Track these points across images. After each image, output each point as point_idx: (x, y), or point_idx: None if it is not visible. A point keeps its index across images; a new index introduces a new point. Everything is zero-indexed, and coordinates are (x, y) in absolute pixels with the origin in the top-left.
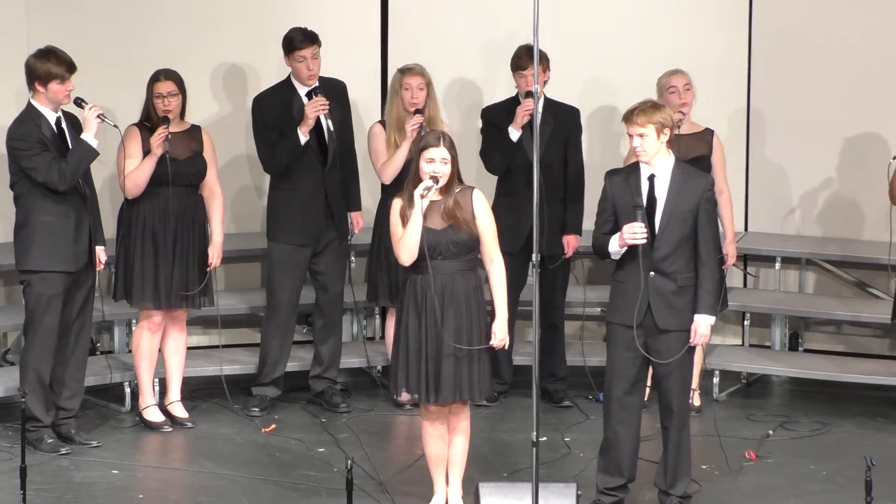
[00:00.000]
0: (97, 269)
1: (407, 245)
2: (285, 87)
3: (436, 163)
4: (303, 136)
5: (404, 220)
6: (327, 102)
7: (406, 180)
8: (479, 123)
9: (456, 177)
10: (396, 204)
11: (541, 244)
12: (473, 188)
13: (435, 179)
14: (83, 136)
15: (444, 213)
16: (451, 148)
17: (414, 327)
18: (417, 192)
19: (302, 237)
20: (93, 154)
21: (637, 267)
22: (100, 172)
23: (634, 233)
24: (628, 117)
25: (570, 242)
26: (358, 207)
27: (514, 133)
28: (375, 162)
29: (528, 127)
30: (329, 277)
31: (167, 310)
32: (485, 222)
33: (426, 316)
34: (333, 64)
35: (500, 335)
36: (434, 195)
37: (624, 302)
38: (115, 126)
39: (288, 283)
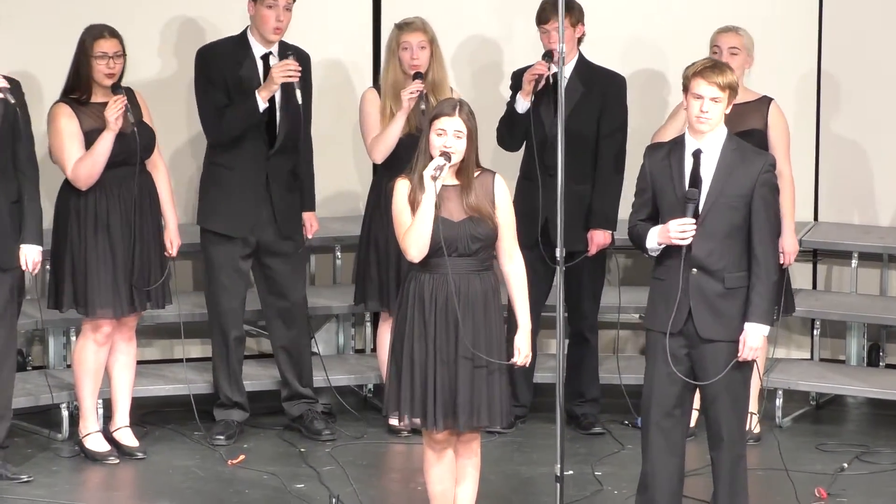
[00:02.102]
0: (26, 271)
1: (416, 237)
2: (237, 43)
3: (447, 136)
4: (262, 103)
5: (413, 206)
6: (300, 69)
7: (413, 158)
8: (497, 90)
9: (474, 156)
10: (402, 186)
11: (553, 237)
12: (494, 173)
13: (447, 156)
14: None
15: (464, 201)
16: (470, 120)
17: (420, 337)
18: (427, 172)
19: (230, 227)
20: None
21: (679, 262)
22: None
23: (684, 230)
24: (705, 74)
25: (594, 238)
26: (313, 207)
27: (521, 103)
28: (366, 136)
29: (551, 95)
30: (283, 284)
31: (123, 317)
32: (505, 213)
33: (437, 324)
34: (313, 20)
35: (524, 350)
36: (450, 178)
37: (663, 304)
38: (13, 102)
39: (222, 281)
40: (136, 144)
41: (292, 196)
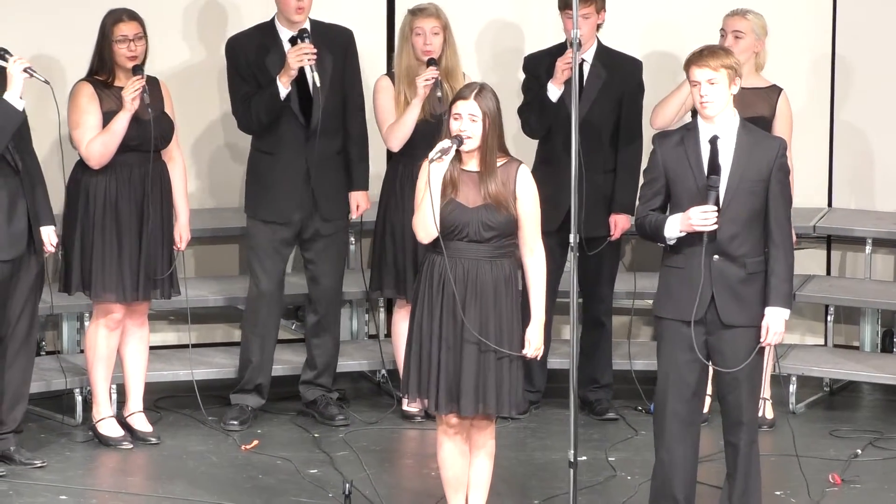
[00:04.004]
0: (46, 252)
1: (421, 219)
2: (266, 30)
3: (462, 119)
4: (283, 89)
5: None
6: (315, 51)
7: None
8: (518, 74)
9: (496, 142)
10: (426, 168)
11: (579, 223)
12: (520, 163)
13: (458, 140)
14: (5, 95)
15: (482, 188)
16: (486, 103)
17: (427, 318)
18: (432, 154)
19: (274, 213)
20: (17, 117)
21: (699, 249)
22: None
23: (706, 217)
24: (696, 59)
25: (618, 223)
26: (363, 186)
27: (554, 91)
28: (381, 123)
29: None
30: (320, 267)
31: (130, 303)
32: (528, 205)
33: (443, 306)
34: (327, 6)
35: (535, 343)
36: (471, 163)
37: (681, 292)
38: (47, 82)
39: (266, 269)
40: (153, 131)
41: (335, 177)
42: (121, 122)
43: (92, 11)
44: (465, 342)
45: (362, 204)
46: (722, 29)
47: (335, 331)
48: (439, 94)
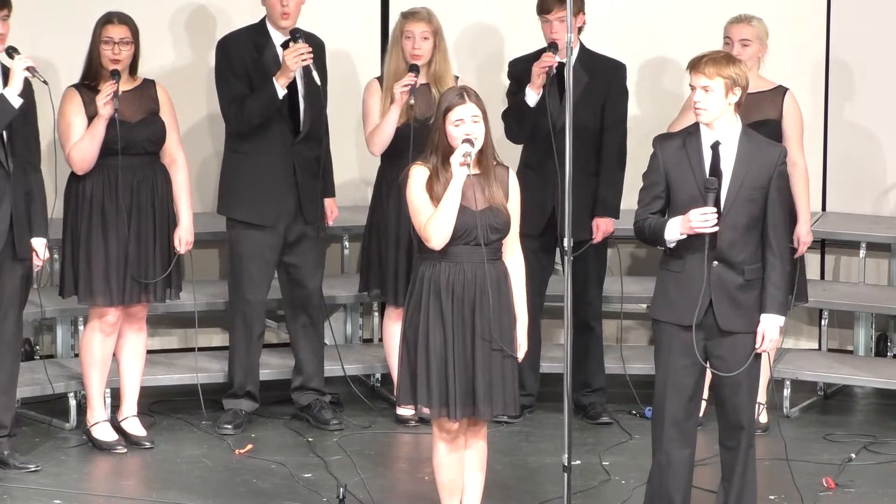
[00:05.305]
0: (35, 264)
1: (442, 225)
2: (257, 31)
3: (466, 123)
4: (280, 90)
5: (431, 194)
6: (311, 50)
7: (426, 150)
8: (500, 79)
9: (491, 143)
10: (419, 173)
11: (562, 227)
12: (508, 167)
13: (470, 142)
14: (4, 90)
15: (485, 191)
16: (480, 102)
17: (436, 326)
18: (455, 159)
19: (258, 215)
20: (11, 112)
21: (699, 255)
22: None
23: (706, 219)
24: (695, 64)
25: (600, 226)
26: (333, 193)
27: (532, 96)
28: (365, 127)
29: (558, 85)
30: (304, 271)
31: (123, 306)
32: (515, 207)
33: (453, 312)
34: (321, 9)
35: (523, 344)
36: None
37: (679, 296)
38: (45, 82)
39: (254, 278)
40: (140, 134)
41: (316, 183)
42: (97, 128)
43: (87, 17)
44: (478, 347)
45: (335, 211)
46: (726, 37)
47: (320, 333)
48: (412, 101)
